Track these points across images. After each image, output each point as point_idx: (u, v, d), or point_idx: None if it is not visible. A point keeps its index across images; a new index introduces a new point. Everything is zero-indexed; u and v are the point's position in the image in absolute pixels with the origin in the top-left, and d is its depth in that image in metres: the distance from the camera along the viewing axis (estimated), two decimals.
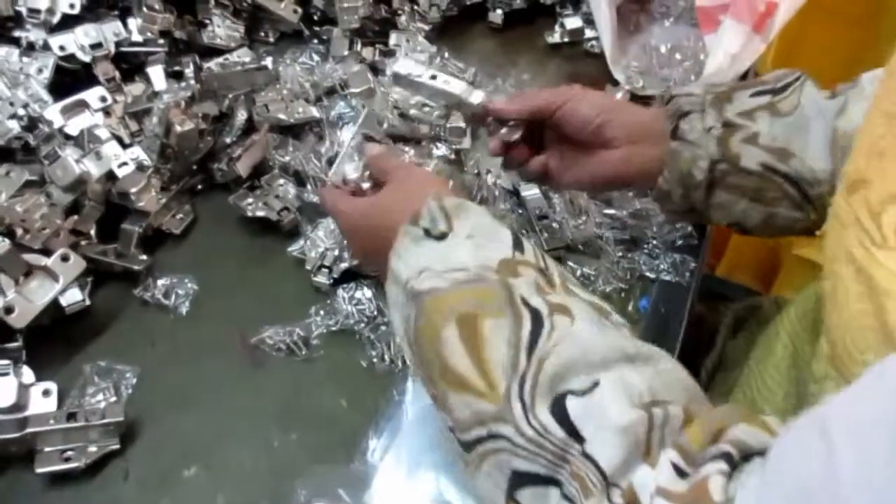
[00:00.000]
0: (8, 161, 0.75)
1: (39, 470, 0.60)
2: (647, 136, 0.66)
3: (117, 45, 0.87)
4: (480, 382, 0.44)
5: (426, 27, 1.01)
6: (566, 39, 1.03)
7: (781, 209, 0.64)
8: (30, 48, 0.84)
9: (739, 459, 0.34)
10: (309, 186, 0.81)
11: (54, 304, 0.68)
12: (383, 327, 0.69)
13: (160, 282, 0.73)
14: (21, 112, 0.78)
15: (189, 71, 0.88)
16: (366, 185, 0.68)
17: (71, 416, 0.61)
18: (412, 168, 0.67)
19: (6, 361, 0.65)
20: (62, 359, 0.69)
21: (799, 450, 0.30)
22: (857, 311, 0.40)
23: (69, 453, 0.61)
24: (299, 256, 0.76)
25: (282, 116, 0.84)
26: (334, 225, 0.76)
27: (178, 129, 0.75)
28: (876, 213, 0.40)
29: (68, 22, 0.85)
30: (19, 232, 0.68)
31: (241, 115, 0.83)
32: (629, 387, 0.40)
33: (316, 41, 1.00)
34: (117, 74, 0.86)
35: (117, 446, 0.62)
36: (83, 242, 0.74)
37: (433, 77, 0.71)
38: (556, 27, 1.03)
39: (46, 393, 0.65)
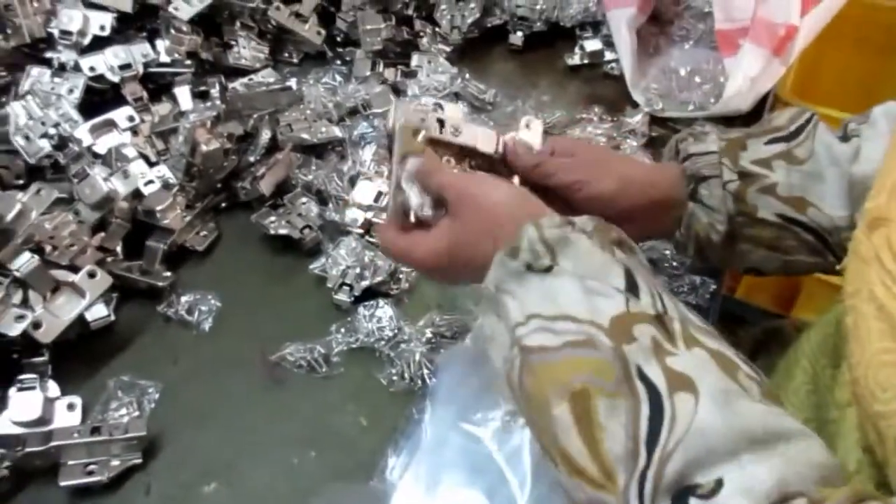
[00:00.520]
0: (38, 179, 0.77)
1: (63, 483, 0.61)
2: (665, 208, 0.66)
3: (145, 65, 0.89)
4: (596, 471, 0.41)
5: (447, 49, 1.02)
6: (586, 61, 1.03)
7: (800, 256, 0.65)
8: (61, 69, 0.86)
9: None
10: (331, 205, 0.82)
11: (80, 320, 0.69)
12: (403, 345, 0.70)
13: (183, 298, 0.74)
14: (52, 131, 0.79)
15: (215, 91, 0.90)
16: (427, 213, 0.57)
17: (95, 430, 0.62)
18: (481, 182, 0.57)
19: (33, 375, 0.66)
20: (87, 373, 0.70)
21: None
22: (879, 349, 0.40)
23: (92, 467, 0.62)
24: (321, 274, 0.76)
25: (305, 136, 0.86)
26: (356, 243, 0.77)
27: (204, 148, 0.77)
28: None
29: (98, 43, 0.88)
30: (48, 248, 0.70)
31: (265, 135, 0.84)
32: (756, 485, 0.37)
33: (339, 62, 1.02)
34: (145, 94, 0.89)
35: (139, 461, 0.63)
36: (109, 259, 0.75)
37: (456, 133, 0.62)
38: (576, 49, 1.04)
39: (71, 407, 0.66)
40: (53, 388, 0.67)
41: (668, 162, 0.70)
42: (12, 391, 0.65)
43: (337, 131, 0.87)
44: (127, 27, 0.92)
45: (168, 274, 0.76)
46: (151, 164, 0.81)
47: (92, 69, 0.86)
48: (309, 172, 0.84)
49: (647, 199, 0.65)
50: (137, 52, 0.89)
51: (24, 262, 0.66)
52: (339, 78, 0.97)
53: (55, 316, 0.66)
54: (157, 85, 0.91)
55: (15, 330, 0.64)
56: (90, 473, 0.61)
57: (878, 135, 0.62)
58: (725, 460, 0.38)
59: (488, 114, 0.96)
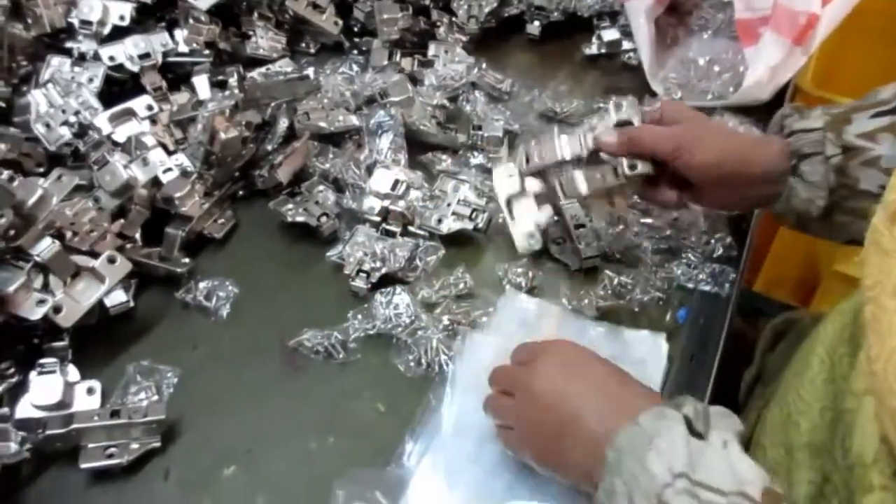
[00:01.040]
0: (58, 167, 0.77)
1: (83, 465, 0.61)
2: (763, 181, 0.67)
3: (164, 55, 0.90)
4: None
5: (464, 38, 1.02)
6: (604, 51, 1.03)
7: None
8: (81, 58, 0.87)
9: None
10: (348, 193, 0.82)
11: (100, 305, 0.69)
12: (420, 332, 0.70)
13: (202, 285, 0.75)
14: (72, 119, 0.80)
15: (233, 80, 0.90)
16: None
17: (114, 414, 0.62)
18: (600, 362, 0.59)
19: (53, 360, 0.67)
20: (106, 359, 0.70)
21: None
22: None
23: (112, 450, 0.62)
24: (338, 261, 0.77)
25: (322, 125, 0.86)
26: (373, 231, 0.77)
27: (223, 136, 0.77)
28: None
29: (118, 33, 0.88)
30: (68, 234, 0.70)
31: (283, 124, 0.85)
32: None
33: (356, 52, 1.02)
34: (164, 84, 0.89)
35: (158, 444, 0.63)
36: (128, 246, 0.76)
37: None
38: (594, 39, 1.03)
39: (90, 391, 0.66)
40: (73, 372, 0.68)
41: (772, 136, 0.70)
42: (33, 375, 0.65)
43: (354, 120, 0.87)
44: (146, 17, 0.92)
45: (186, 260, 0.77)
46: (170, 153, 0.81)
47: (111, 59, 0.86)
48: (326, 161, 0.85)
49: (745, 171, 0.67)
50: (156, 42, 0.89)
51: (45, 248, 0.66)
52: (356, 68, 0.97)
53: (75, 301, 0.67)
54: (175, 74, 0.92)
55: (36, 314, 0.65)
56: (110, 456, 0.62)
57: None
58: None
59: (505, 104, 0.96)
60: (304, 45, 1.03)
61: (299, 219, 0.78)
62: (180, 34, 0.92)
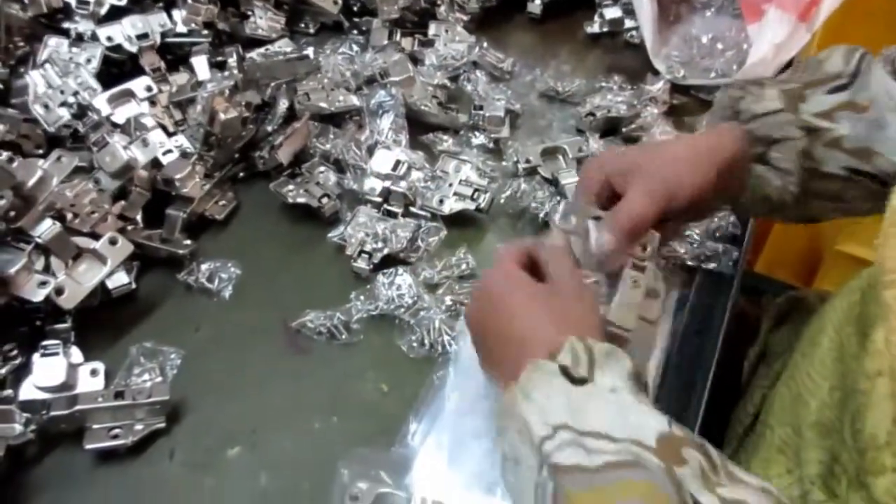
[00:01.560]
0: (58, 148, 0.77)
1: (88, 446, 0.61)
2: (731, 172, 0.62)
3: (163, 35, 0.89)
4: None
5: (465, 17, 1.01)
6: (606, 29, 1.02)
7: (860, 203, 0.63)
8: (79, 39, 0.86)
9: None
10: (349, 174, 0.82)
11: (102, 287, 0.69)
12: (422, 312, 0.69)
13: (204, 266, 0.75)
14: (71, 100, 0.79)
15: (232, 61, 0.89)
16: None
17: (118, 395, 0.62)
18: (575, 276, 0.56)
19: (56, 342, 0.66)
20: (109, 341, 0.70)
21: None
22: None
23: (117, 431, 0.62)
24: (339, 242, 0.76)
25: (323, 105, 0.85)
26: (374, 211, 0.77)
27: (222, 117, 0.76)
28: None
29: (116, 13, 0.87)
30: (69, 216, 0.70)
31: (283, 104, 0.84)
32: None
33: (356, 32, 1.01)
34: (162, 64, 0.88)
35: (163, 425, 0.63)
36: (130, 227, 0.75)
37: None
38: (596, 17, 1.02)
39: (94, 372, 0.66)
40: (76, 354, 0.68)
41: (722, 126, 0.65)
42: (36, 357, 0.65)
43: (354, 100, 0.87)
44: None
45: (188, 242, 0.76)
46: (170, 134, 0.81)
47: (109, 39, 0.86)
48: (327, 141, 0.84)
49: (713, 168, 0.61)
50: (155, 22, 0.88)
51: (46, 229, 0.66)
52: (356, 47, 0.96)
53: (77, 282, 0.67)
54: (174, 55, 0.91)
55: (38, 296, 0.64)
56: (115, 437, 0.62)
57: None
58: None
59: (506, 83, 0.95)
60: (303, 24, 1.02)
61: (300, 200, 0.78)
62: (178, 14, 0.91)
